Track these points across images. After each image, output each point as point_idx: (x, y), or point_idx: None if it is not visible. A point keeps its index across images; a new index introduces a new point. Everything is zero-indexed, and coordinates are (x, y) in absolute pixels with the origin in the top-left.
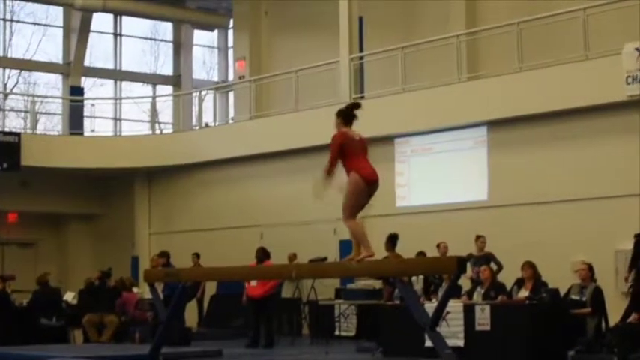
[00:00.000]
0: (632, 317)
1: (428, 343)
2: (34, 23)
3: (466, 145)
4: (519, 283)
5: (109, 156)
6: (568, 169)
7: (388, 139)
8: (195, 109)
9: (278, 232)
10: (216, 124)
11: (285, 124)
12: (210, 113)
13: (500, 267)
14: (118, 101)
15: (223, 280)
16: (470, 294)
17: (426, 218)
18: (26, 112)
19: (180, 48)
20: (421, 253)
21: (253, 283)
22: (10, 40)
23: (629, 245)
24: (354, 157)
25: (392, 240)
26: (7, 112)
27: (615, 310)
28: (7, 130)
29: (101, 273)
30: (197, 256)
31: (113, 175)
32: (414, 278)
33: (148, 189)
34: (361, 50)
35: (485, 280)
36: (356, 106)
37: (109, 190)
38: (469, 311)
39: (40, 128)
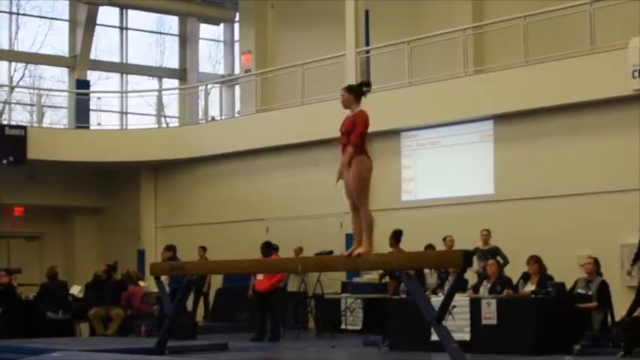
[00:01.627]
0: (638, 312)
1: (434, 337)
2: (40, 16)
3: (472, 139)
4: (525, 277)
5: (115, 149)
6: (574, 163)
7: (394, 133)
8: (201, 102)
9: (284, 225)
10: (223, 117)
11: (292, 118)
12: (217, 107)
13: (506, 261)
14: (124, 95)
15: (229, 274)
16: (476, 288)
17: (432, 212)
18: (32, 105)
19: (186, 41)
20: (430, 247)
21: (260, 276)
22: (16, 33)
23: (635, 239)
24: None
25: (396, 236)
26: (13, 106)
27: (621, 304)
28: (13, 123)
29: (107, 266)
30: (203, 249)
31: (119, 169)
32: (427, 271)
33: (154, 182)
34: (367, 44)
35: (492, 275)
36: (367, 84)
37: (115, 184)
38: (475, 305)
39: (46, 121)
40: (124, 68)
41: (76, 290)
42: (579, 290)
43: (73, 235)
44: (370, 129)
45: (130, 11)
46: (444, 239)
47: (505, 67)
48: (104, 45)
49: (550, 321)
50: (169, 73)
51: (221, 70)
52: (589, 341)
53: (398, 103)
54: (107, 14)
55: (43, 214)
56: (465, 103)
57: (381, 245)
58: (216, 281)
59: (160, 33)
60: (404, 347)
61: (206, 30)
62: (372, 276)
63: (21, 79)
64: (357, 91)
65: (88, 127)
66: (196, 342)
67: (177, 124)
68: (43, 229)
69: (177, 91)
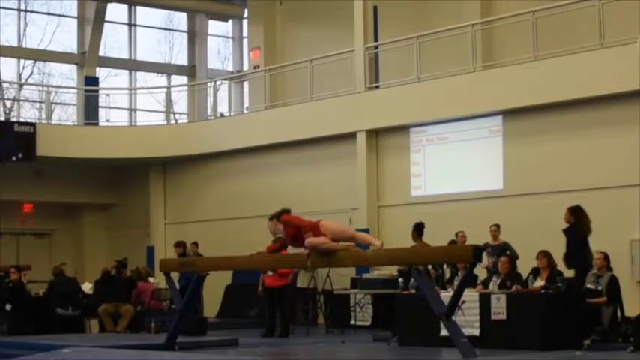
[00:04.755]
0: None
1: (444, 332)
2: (49, 13)
3: (481, 135)
4: (535, 272)
5: (124, 146)
6: (583, 158)
7: (403, 129)
8: (210, 99)
9: None
10: (231, 114)
11: (300, 114)
12: (225, 103)
13: (515, 256)
14: (132, 91)
15: (239, 270)
16: (485, 283)
17: (441, 208)
18: (41, 102)
19: (195, 38)
20: (453, 242)
21: (270, 272)
22: (25, 30)
23: None
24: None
25: (418, 229)
26: (22, 103)
27: (631, 299)
28: (22, 120)
29: (117, 262)
30: (196, 244)
31: (128, 165)
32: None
33: (163, 179)
34: (376, 40)
35: (504, 272)
36: (287, 211)
37: (124, 180)
38: (485, 300)
39: (55, 118)
40: (132, 65)
41: (87, 288)
42: (589, 285)
43: (83, 232)
44: (380, 125)
45: (138, 8)
46: (456, 234)
47: (514, 62)
48: (113, 42)
49: (560, 316)
50: (178, 69)
51: (230, 66)
52: (599, 336)
53: (407, 98)
54: (116, 11)
55: (53, 210)
56: (473, 98)
57: (394, 240)
58: (225, 277)
59: (169, 29)
60: (413, 342)
61: (215, 26)
62: (381, 271)
63: (30, 76)
64: (277, 217)
65: (96, 124)
66: (206, 338)
67: (186, 121)
68: (53, 225)
69: (185, 88)
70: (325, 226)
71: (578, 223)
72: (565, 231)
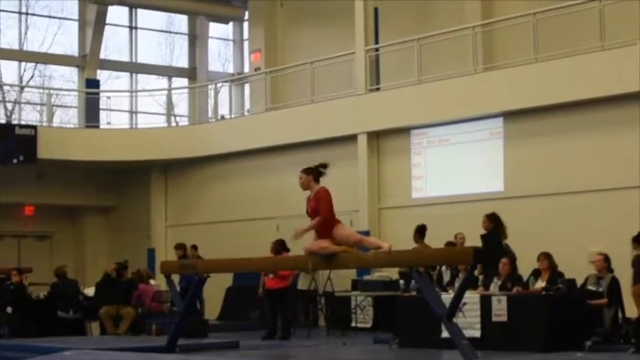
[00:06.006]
0: None
1: (445, 334)
2: (50, 16)
3: (482, 136)
4: (536, 274)
5: (125, 148)
6: (584, 160)
7: (404, 131)
8: (210, 101)
9: (294, 224)
10: (232, 116)
11: (301, 116)
12: (226, 105)
13: (513, 257)
14: (133, 94)
15: (240, 272)
16: (486, 285)
17: (442, 209)
18: (42, 105)
19: (196, 40)
20: (450, 244)
21: (271, 274)
22: (26, 33)
23: None
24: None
25: (420, 231)
26: (23, 105)
27: (632, 300)
28: (23, 122)
29: (117, 265)
30: (195, 248)
31: (129, 168)
32: (443, 269)
33: (164, 181)
34: (377, 42)
35: (505, 274)
36: (325, 165)
37: (125, 183)
38: (486, 302)
39: (56, 121)
40: (133, 67)
41: (91, 292)
42: (590, 287)
43: (84, 235)
44: (381, 127)
45: (139, 10)
46: (455, 236)
47: (515, 64)
48: (114, 44)
49: (561, 318)
50: (179, 72)
51: (230, 68)
52: (600, 338)
53: (407, 100)
54: (116, 13)
55: (54, 213)
56: (474, 100)
57: (395, 242)
58: (226, 280)
59: (170, 32)
60: (414, 344)
61: (215, 29)
62: (382, 273)
63: (31, 78)
64: (315, 172)
65: (97, 127)
66: (207, 340)
67: (186, 123)
68: (54, 228)
69: (186, 90)
70: (338, 229)
71: (495, 230)
72: (483, 237)
